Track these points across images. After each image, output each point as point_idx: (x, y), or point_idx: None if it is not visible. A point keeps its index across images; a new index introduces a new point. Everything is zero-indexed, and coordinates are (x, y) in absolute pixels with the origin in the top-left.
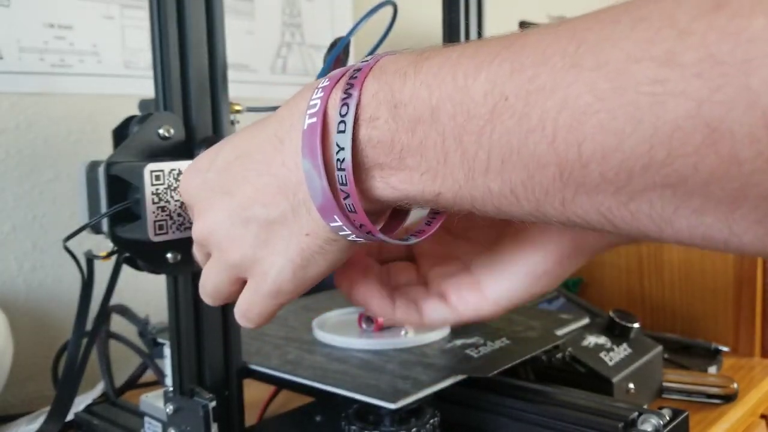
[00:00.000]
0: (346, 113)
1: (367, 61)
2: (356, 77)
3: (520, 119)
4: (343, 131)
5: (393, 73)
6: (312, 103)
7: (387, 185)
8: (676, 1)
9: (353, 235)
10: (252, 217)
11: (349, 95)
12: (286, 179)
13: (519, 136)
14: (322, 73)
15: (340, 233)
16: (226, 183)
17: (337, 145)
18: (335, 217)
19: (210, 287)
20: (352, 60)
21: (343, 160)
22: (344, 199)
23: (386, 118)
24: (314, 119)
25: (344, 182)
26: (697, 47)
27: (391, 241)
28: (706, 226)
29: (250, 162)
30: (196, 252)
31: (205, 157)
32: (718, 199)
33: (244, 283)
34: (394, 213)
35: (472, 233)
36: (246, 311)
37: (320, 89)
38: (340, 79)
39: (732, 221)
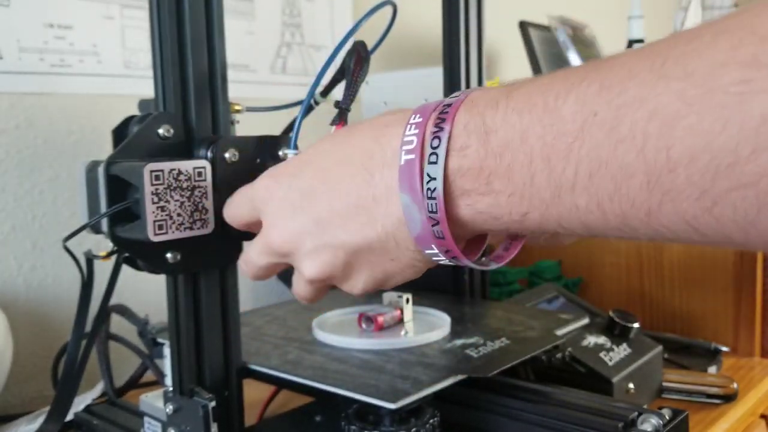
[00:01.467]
0: (438, 145)
1: (458, 95)
2: (447, 112)
3: (610, 131)
4: (435, 162)
5: (485, 104)
6: (407, 139)
7: (474, 210)
8: (753, 14)
9: (444, 259)
10: (339, 245)
11: (441, 129)
12: (375, 211)
13: (608, 148)
14: (321, 75)
15: (434, 258)
16: (311, 207)
17: (428, 176)
18: (432, 245)
19: (303, 295)
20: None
21: (434, 189)
22: (433, 226)
23: (476, 146)
24: (412, 156)
25: (434, 210)
26: None
27: (475, 266)
28: None
29: (337, 192)
30: (265, 255)
31: (286, 170)
32: None
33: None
34: (473, 237)
35: None
36: None
37: (413, 125)
38: (431, 114)
39: None
